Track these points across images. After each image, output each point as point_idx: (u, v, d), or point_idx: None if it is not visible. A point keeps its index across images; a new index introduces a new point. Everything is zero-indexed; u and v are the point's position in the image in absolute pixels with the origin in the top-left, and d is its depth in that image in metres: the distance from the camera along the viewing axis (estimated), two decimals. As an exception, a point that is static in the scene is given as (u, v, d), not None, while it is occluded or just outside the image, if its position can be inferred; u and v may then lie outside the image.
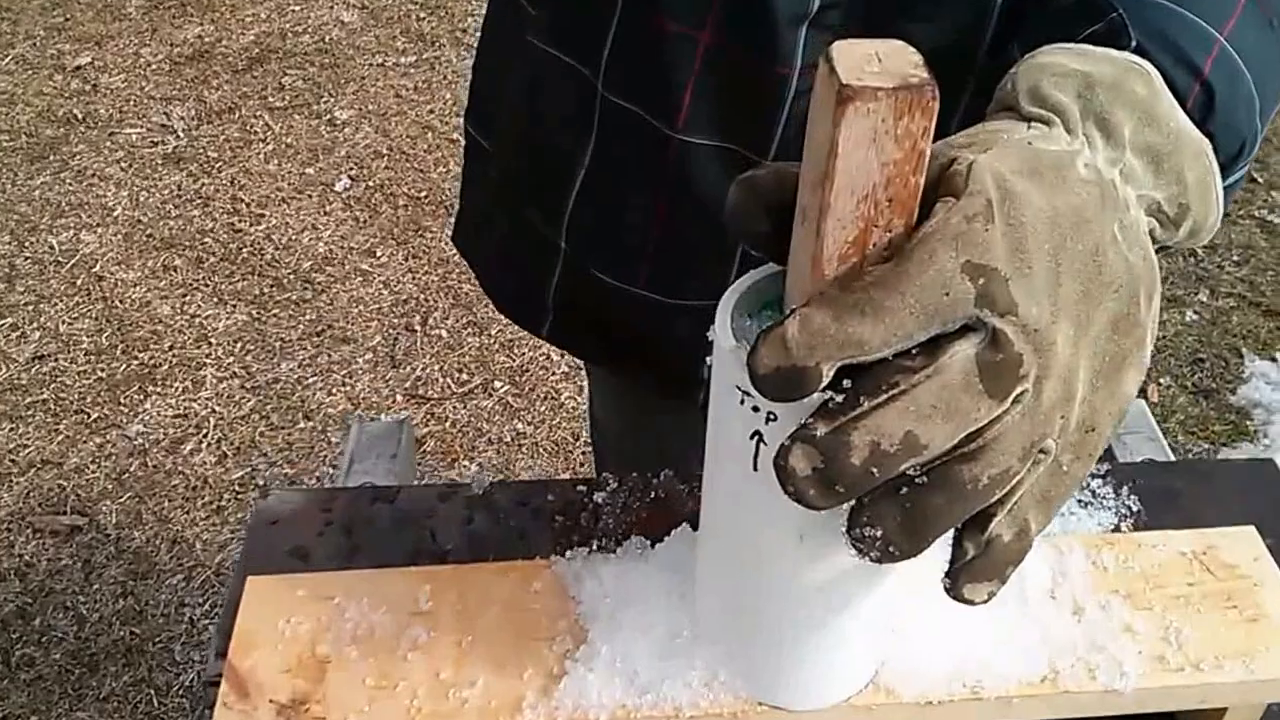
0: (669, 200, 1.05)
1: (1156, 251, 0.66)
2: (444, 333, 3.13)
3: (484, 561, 0.91)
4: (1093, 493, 1.01)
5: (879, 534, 0.57)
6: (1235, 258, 3.42)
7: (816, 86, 0.56)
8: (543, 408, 2.93)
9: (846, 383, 0.56)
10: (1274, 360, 3.13)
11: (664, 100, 0.99)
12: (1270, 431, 2.95)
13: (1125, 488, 1.02)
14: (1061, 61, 0.67)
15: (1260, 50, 0.74)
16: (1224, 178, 0.70)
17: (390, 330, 3.14)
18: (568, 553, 0.89)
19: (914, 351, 0.55)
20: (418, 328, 3.11)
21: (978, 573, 0.60)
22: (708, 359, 0.67)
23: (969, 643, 0.83)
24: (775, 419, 0.63)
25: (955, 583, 0.61)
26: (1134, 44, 0.70)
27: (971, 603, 0.62)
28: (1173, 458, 1.35)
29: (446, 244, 3.26)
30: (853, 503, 0.58)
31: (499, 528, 0.99)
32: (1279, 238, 3.49)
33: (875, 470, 0.55)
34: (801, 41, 0.91)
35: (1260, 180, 3.67)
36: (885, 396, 0.55)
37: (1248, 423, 2.97)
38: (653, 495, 1.00)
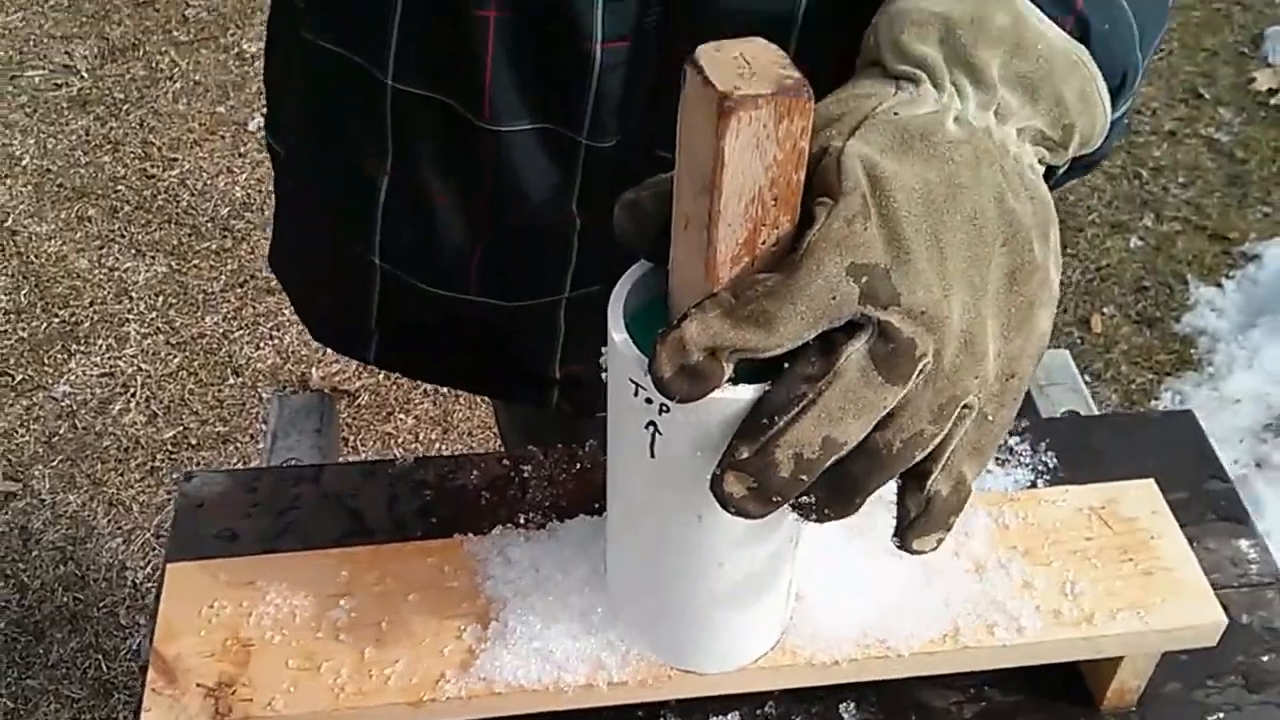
0: (490, 194, 0.99)
1: (1050, 177, 0.70)
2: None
3: (411, 540, 0.93)
4: (1010, 450, 1.04)
5: (813, 501, 0.61)
6: (1181, 179, 3.39)
7: (687, 95, 0.57)
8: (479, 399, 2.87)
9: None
10: (1219, 286, 3.11)
11: (466, 87, 0.92)
12: (1214, 360, 2.94)
13: (1043, 444, 1.04)
14: (921, 5, 0.67)
15: None
16: (1114, 106, 0.71)
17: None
18: (487, 532, 0.91)
19: (812, 359, 0.59)
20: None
21: (922, 528, 0.64)
22: (602, 351, 0.69)
23: (873, 604, 0.86)
24: (667, 410, 0.64)
25: (904, 539, 0.64)
26: None
27: (922, 553, 0.65)
28: (1095, 410, 1.36)
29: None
30: None
31: (424, 505, 1.00)
32: (1225, 157, 3.46)
33: (804, 476, 0.59)
34: (600, 17, 0.87)
35: (1207, 96, 3.65)
36: (797, 410, 0.58)
37: (1191, 351, 2.96)
38: (578, 466, 1.01)
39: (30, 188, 3.32)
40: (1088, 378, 2.82)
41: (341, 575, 0.88)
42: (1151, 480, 0.96)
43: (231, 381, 2.82)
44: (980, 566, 0.89)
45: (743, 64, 0.56)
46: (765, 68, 0.56)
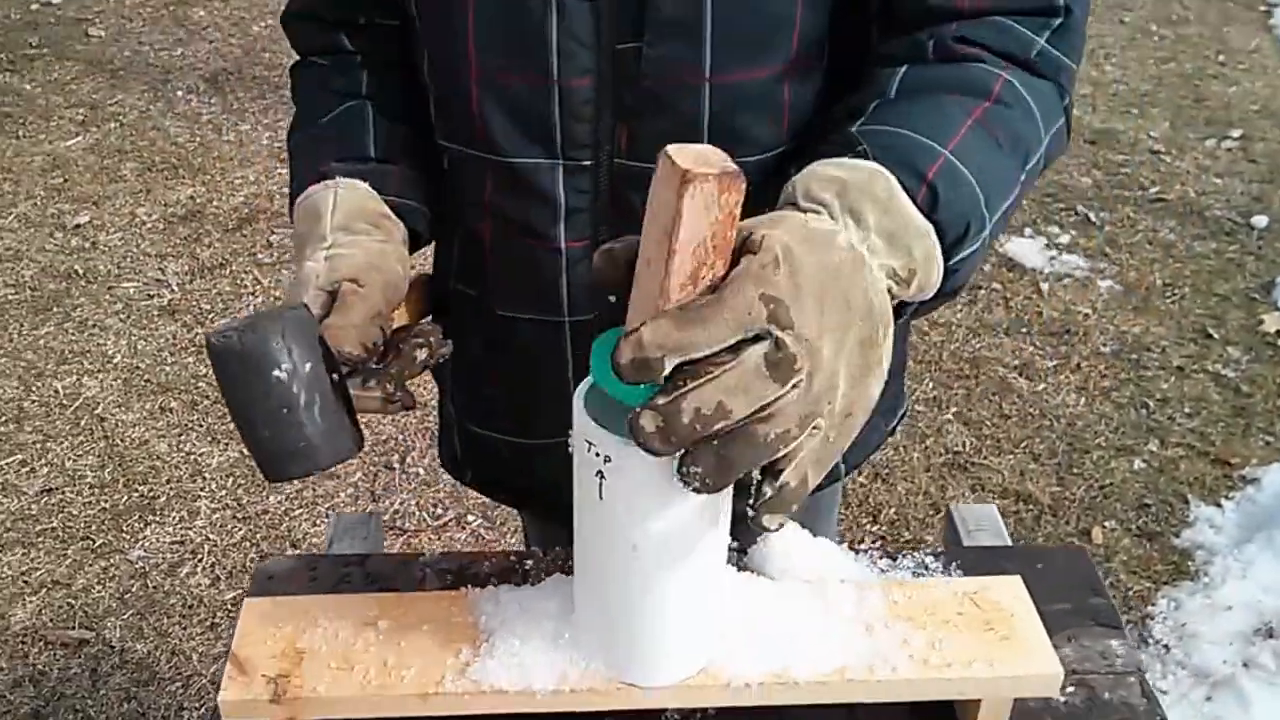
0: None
1: (902, 311, 0.98)
2: (421, 470, 3.37)
3: (425, 596, 1.20)
4: (925, 566, 1.27)
5: (699, 471, 0.83)
6: (1187, 410, 3.60)
7: (659, 173, 0.83)
8: (513, 540, 3.18)
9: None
10: (1218, 506, 3.27)
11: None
12: (1210, 571, 3.07)
13: (954, 564, 1.28)
14: (826, 171, 0.97)
15: (983, 158, 1.04)
16: (960, 249, 1.01)
17: (371, 467, 3.41)
18: (484, 586, 1.19)
19: (725, 353, 0.82)
20: (396, 465, 3.37)
21: (772, 508, 0.87)
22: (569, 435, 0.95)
23: (782, 643, 1.10)
24: (610, 461, 0.91)
25: (757, 514, 0.87)
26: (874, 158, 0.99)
27: (767, 529, 0.88)
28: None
29: (424, 390, 3.47)
30: (682, 451, 0.83)
31: (445, 586, 1.26)
32: (1231, 391, 3.67)
33: (698, 427, 0.81)
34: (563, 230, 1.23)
35: (1216, 336, 3.89)
36: (704, 379, 0.81)
37: (1189, 563, 3.10)
38: (571, 563, 1.23)
39: (120, 382, 3.71)
40: (1087, 585, 2.96)
41: (373, 611, 1.14)
42: (1018, 577, 1.20)
43: (290, 552, 3.09)
44: (870, 627, 1.12)
45: (699, 156, 0.82)
46: (714, 160, 0.82)
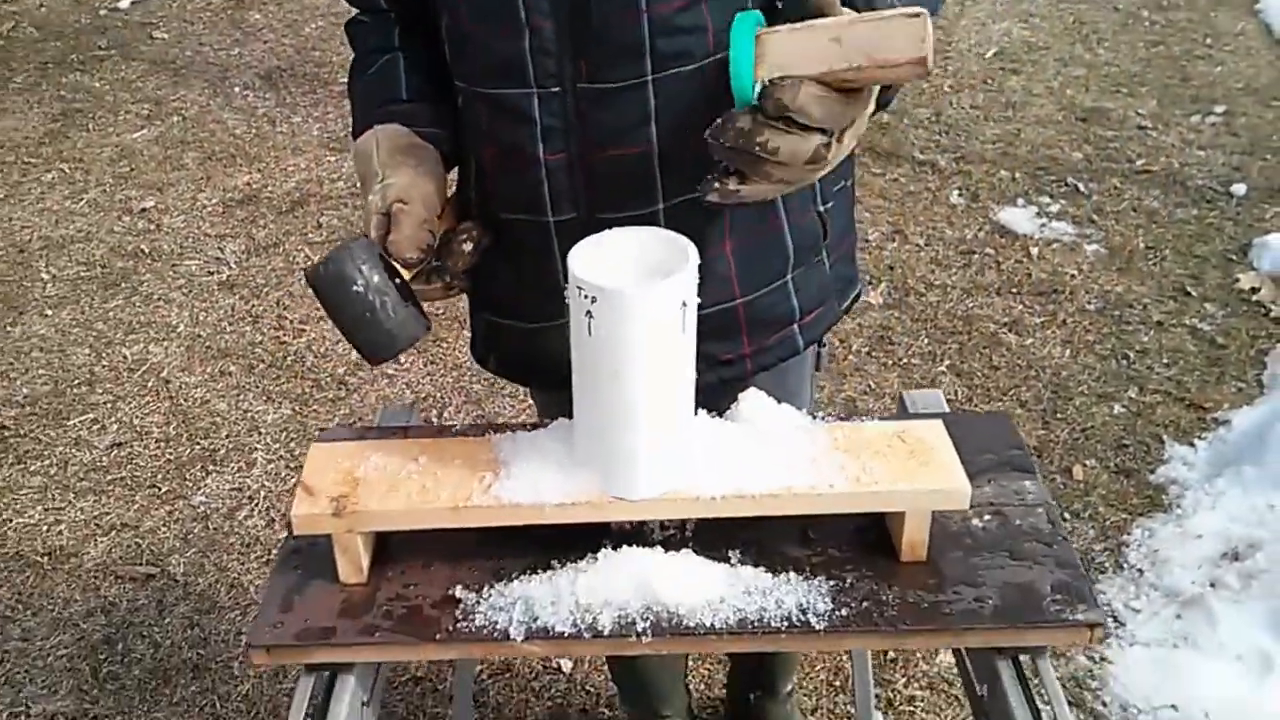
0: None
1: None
2: (456, 425, 3.59)
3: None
4: None
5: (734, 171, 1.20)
6: (1165, 360, 3.81)
7: None
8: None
9: None
10: (1192, 445, 3.47)
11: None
12: (1182, 503, 3.27)
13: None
14: None
15: None
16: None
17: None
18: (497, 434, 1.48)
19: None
20: (434, 421, 3.64)
21: (723, 196, 1.22)
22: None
23: (740, 468, 1.37)
24: (596, 301, 1.19)
25: (707, 186, 1.22)
26: None
27: (709, 200, 1.23)
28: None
29: (460, 352, 3.85)
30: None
31: None
32: (1207, 343, 3.88)
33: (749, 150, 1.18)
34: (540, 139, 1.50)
35: (1194, 294, 4.11)
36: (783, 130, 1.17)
37: (1163, 497, 3.30)
38: None
39: (183, 349, 4.04)
40: (1067, 516, 3.22)
41: (414, 450, 1.44)
42: (939, 420, 1.48)
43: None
44: (814, 459, 1.40)
45: None
46: None
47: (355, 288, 1.32)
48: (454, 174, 1.61)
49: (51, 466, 3.54)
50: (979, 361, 3.80)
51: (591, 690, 2.84)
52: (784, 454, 1.39)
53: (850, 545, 1.43)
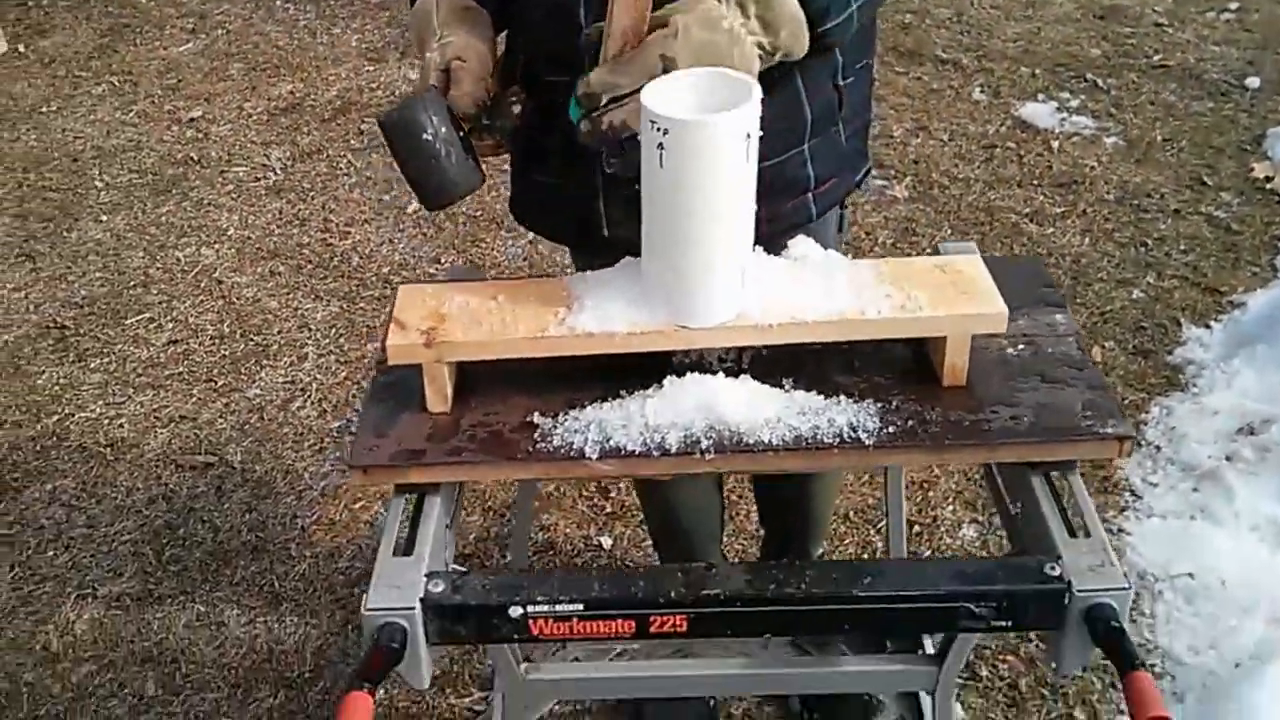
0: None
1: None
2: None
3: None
4: None
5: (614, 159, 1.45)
6: (1182, 247, 3.90)
7: None
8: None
9: None
10: (1208, 328, 3.56)
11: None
12: (1199, 382, 3.37)
13: None
14: None
15: None
16: (825, 24, 1.46)
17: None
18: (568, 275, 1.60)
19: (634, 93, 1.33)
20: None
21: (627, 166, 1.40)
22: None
23: (795, 299, 1.49)
24: (667, 133, 1.31)
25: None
26: None
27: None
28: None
29: (499, 252, 3.96)
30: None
31: None
32: (1223, 230, 3.97)
33: (611, 133, 1.38)
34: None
35: (1210, 183, 4.20)
36: (618, 107, 1.35)
37: (1180, 376, 3.39)
38: None
39: (233, 250, 4.17)
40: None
41: (493, 290, 1.55)
42: (977, 254, 1.60)
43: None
44: (860, 290, 1.51)
45: None
46: None
47: (426, 135, 1.44)
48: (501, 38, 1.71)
49: (111, 363, 3.67)
50: (1001, 250, 3.89)
51: (631, 565, 2.96)
52: (834, 285, 1.50)
53: (894, 374, 1.55)
